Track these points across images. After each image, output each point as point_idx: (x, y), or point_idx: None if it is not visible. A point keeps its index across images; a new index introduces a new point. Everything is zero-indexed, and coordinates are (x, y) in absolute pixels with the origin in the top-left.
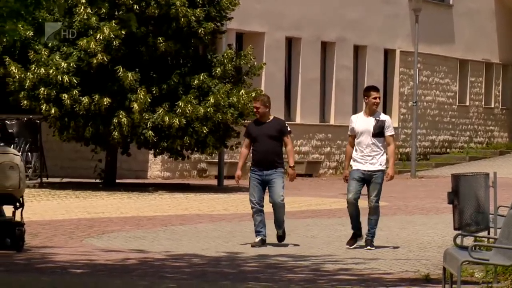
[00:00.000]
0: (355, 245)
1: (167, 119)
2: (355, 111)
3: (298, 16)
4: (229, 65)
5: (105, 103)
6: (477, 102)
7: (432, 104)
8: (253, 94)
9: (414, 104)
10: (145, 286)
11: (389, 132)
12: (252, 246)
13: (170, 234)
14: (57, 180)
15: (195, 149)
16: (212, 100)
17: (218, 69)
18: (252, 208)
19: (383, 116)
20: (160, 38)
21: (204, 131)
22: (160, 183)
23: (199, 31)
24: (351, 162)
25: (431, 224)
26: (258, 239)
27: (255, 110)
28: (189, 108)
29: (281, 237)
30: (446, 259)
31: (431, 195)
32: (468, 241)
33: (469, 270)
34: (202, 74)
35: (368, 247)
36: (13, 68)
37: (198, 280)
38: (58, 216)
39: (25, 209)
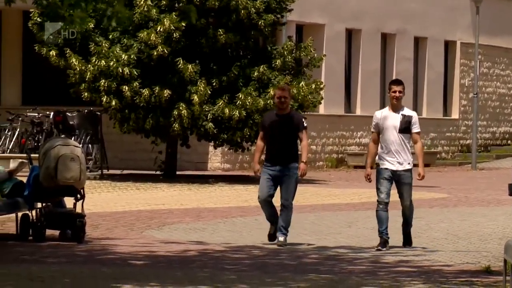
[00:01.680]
0: (386, 248)
1: (227, 111)
2: (415, 103)
3: (358, 8)
4: (289, 57)
5: (166, 95)
6: None
7: (493, 95)
8: (313, 86)
9: (475, 95)
10: (205, 277)
11: (415, 129)
12: (269, 236)
13: (230, 226)
14: (118, 172)
15: (255, 141)
16: (272, 92)
17: (278, 61)
18: (260, 203)
19: (409, 112)
20: (220, 30)
21: None
22: (220, 175)
23: (259, 23)
24: (378, 161)
25: (491, 216)
26: (273, 229)
27: (282, 99)
28: (249, 100)
29: (282, 244)
30: (507, 251)
31: (492, 186)
32: None
33: None
34: (262, 66)
35: (407, 246)
36: (74, 60)
37: (258, 271)
38: (119, 208)
39: (85, 200)
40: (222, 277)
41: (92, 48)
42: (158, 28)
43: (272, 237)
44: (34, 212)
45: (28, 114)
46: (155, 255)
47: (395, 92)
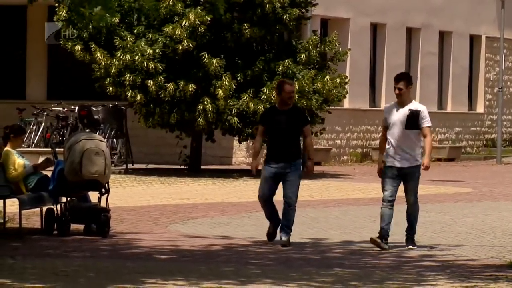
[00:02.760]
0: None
1: (252, 105)
2: (440, 98)
3: (383, 2)
4: (314, 51)
5: (190, 90)
6: None
7: None
8: (338, 80)
9: (500, 90)
10: (229, 272)
11: (425, 123)
12: (269, 233)
13: (255, 220)
14: (142, 166)
15: None
16: (296, 86)
17: (302, 55)
18: (261, 202)
19: (418, 106)
20: (245, 25)
21: None
22: (245, 169)
23: (284, 17)
24: (384, 158)
25: None
26: (272, 227)
27: (291, 94)
28: (273, 94)
29: (285, 244)
30: None
31: None
32: None
33: None
34: (286, 60)
35: (410, 246)
36: (99, 54)
37: (282, 266)
38: (143, 202)
39: (110, 195)
40: (247, 272)
41: (117, 42)
42: (183, 23)
43: (272, 236)
44: (58, 206)
45: (53, 108)
46: (180, 249)
47: (394, 89)
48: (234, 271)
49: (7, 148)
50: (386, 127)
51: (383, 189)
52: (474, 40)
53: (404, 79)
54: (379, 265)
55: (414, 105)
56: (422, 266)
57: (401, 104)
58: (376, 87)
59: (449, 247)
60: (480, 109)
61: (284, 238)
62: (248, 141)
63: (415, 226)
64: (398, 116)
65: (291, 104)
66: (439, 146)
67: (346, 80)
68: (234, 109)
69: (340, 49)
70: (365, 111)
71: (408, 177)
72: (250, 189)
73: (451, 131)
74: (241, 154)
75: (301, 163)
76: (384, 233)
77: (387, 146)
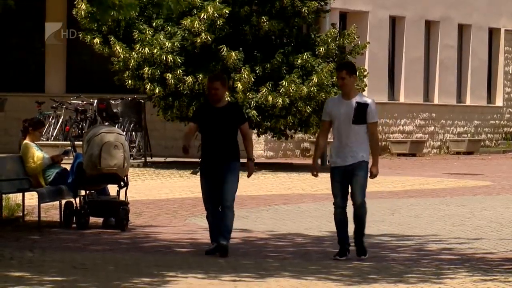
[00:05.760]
0: (344, 258)
1: (271, 98)
2: (459, 90)
3: None
4: (333, 44)
5: None
6: None
7: None
8: (356, 73)
9: None
10: (248, 265)
11: (371, 118)
12: (207, 253)
13: (273, 214)
14: (161, 159)
15: (299, 129)
16: (315, 80)
17: (321, 48)
18: (207, 210)
19: (365, 99)
20: (263, 18)
21: (308, 111)
22: (263, 163)
23: (303, 10)
24: (329, 158)
25: None
26: (214, 245)
27: (212, 92)
28: (292, 88)
29: (224, 249)
30: None
31: None
32: None
33: None
34: (305, 54)
35: (362, 257)
36: (118, 48)
37: (301, 259)
38: (162, 196)
39: (129, 188)
40: (265, 265)
41: (136, 35)
42: (202, 16)
43: (211, 252)
44: (77, 199)
45: (72, 101)
46: (198, 242)
47: (338, 78)
48: (253, 264)
49: (26, 141)
50: (328, 122)
51: (333, 194)
52: (493, 33)
53: (346, 68)
54: (398, 259)
55: (361, 97)
56: (441, 259)
57: (346, 96)
58: (394, 80)
59: (468, 240)
60: (499, 102)
61: (223, 242)
62: (267, 134)
63: (364, 231)
64: (344, 109)
65: (221, 101)
66: (458, 139)
67: (365, 73)
68: (252, 102)
69: (359, 42)
70: (384, 104)
71: (354, 175)
72: (268, 182)
73: (470, 124)
74: (259, 147)
75: (238, 164)
76: (345, 246)
77: (332, 143)
